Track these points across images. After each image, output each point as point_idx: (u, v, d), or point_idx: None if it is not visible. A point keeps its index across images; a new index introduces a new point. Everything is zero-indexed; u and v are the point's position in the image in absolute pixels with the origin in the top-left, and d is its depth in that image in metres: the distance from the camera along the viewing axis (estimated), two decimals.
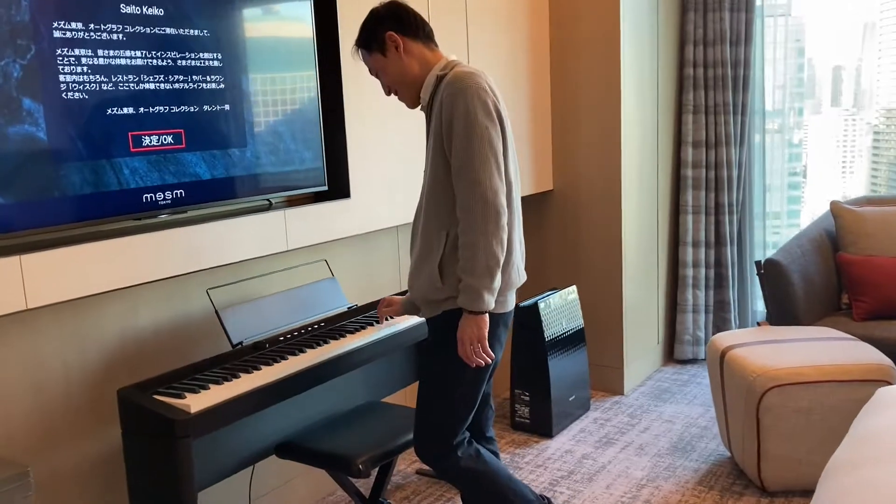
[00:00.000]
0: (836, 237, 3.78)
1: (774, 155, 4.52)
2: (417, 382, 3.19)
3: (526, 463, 3.35)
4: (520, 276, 2.22)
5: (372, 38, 2.17)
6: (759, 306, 4.63)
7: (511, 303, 2.21)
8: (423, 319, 2.63)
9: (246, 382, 2.15)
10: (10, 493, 1.44)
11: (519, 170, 2.20)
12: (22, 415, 2.13)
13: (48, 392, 2.19)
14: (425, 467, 3.32)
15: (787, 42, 4.44)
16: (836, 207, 3.77)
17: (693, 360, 4.52)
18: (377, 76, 2.23)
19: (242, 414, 2.12)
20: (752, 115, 4.45)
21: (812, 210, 4.70)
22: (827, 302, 3.69)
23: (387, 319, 2.64)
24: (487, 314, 2.06)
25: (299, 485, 2.99)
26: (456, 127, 2.01)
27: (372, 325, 2.63)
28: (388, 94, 2.24)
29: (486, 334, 2.07)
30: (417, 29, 2.18)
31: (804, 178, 4.70)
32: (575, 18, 3.92)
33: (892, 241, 3.63)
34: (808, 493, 2.96)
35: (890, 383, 2.84)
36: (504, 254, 2.05)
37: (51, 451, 2.20)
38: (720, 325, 4.55)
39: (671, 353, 4.58)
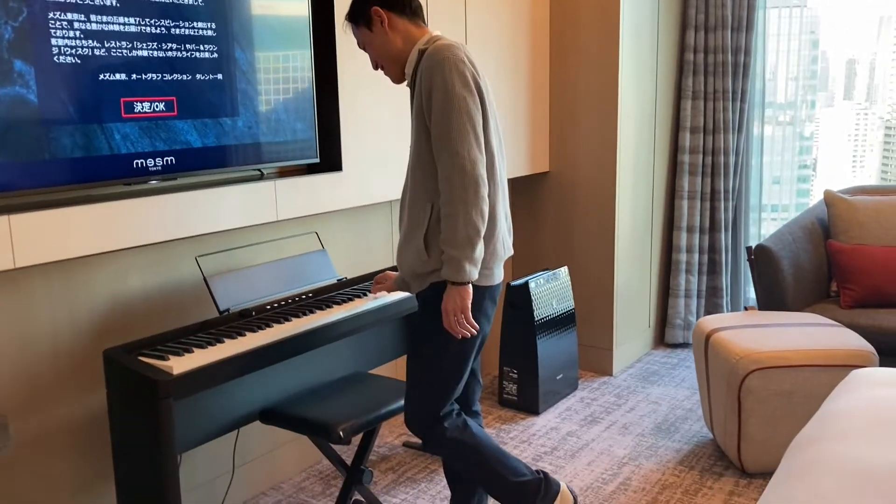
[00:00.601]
0: (827, 225, 3.80)
1: (785, 146, 4.52)
2: (406, 355, 3.24)
3: (511, 438, 3.39)
4: (506, 249, 2.24)
5: (359, 12, 2.21)
6: (752, 293, 4.66)
7: (498, 276, 2.23)
8: (407, 294, 2.66)
9: (230, 347, 2.19)
10: None
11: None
12: (8, 372, 2.18)
13: (36, 351, 2.23)
14: (413, 439, 3.37)
15: (801, 34, 4.43)
16: (828, 196, 3.78)
17: (684, 345, 4.55)
18: (365, 50, 2.26)
19: (224, 378, 2.15)
20: (751, 102, 4.45)
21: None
22: (816, 289, 3.72)
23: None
24: (470, 285, 2.09)
25: (285, 453, 3.04)
26: (434, 99, 2.04)
27: (360, 297, 2.67)
28: (376, 68, 2.27)
29: (469, 305, 2.10)
30: (404, 5, 2.20)
31: (814, 171, 4.70)
32: (575, 2, 3.92)
33: (883, 230, 3.65)
34: None
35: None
36: (485, 224, 2.07)
37: (36, 409, 2.25)
38: (712, 310, 4.58)
39: (662, 337, 4.61)
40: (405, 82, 2.25)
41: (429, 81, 2.05)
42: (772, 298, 3.56)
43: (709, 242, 4.52)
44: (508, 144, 3.79)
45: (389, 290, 2.58)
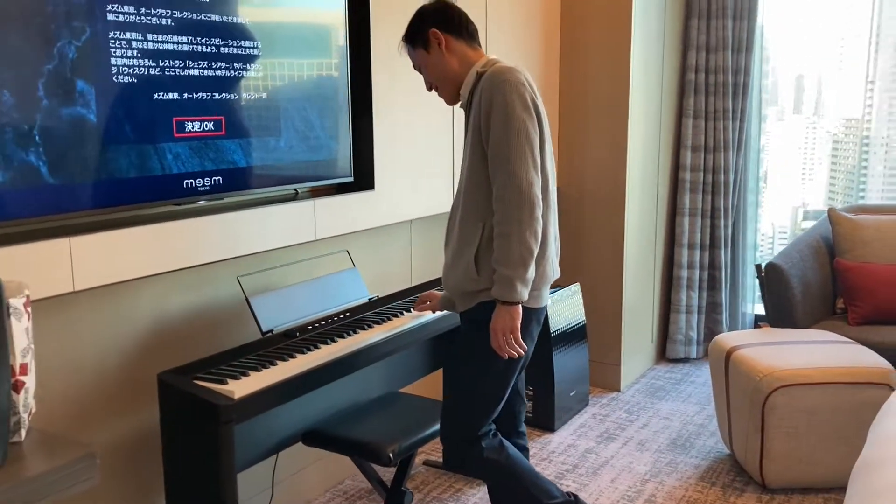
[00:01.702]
0: (832, 243, 3.90)
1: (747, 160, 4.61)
2: (434, 373, 3.24)
3: (531, 456, 3.41)
4: (554, 271, 2.26)
5: (417, 33, 2.23)
6: (750, 308, 4.75)
7: (545, 299, 2.25)
8: (445, 312, 2.67)
9: (284, 370, 2.17)
10: (76, 473, 1.45)
11: (555, 164, 2.25)
12: (59, 395, 2.13)
13: (84, 374, 2.19)
14: (433, 457, 3.36)
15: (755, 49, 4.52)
16: (833, 215, 3.88)
17: (685, 360, 4.62)
18: (420, 71, 2.28)
19: (282, 400, 2.14)
20: (749, 121, 4.55)
21: (770, 215, 4.79)
22: (823, 306, 3.81)
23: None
24: (520, 306, 2.11)
25: (310, 474, 3.02)
26: (494, 119, 2.06)
27: (398, 315, 2.66)
28: (430, 89, 2.29)
29: (519, 326, 2.11)
30: (461, 28, 2.23)
31: (765, 182, 4.81)
32: (586, 21, 3.98)
33: (887, 248, 3.76)
34: (808, 490, 3.06)
35: (891, 386, 2.94)
36: (538, 246, 2.09)
37: (83, 431, 2.21)
38: (711, 325, 4.66)
39: (663, 352, 4.67)
40: (459, 104, 2.27)
41: (489, 102, 2.08)
42: (782, 315, 3.64)
43: (709, 259, 4.60)
44: None
45: (434, 310, 2.59)
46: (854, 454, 2.97)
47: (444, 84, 2.24)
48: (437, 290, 2.81)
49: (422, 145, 3.12)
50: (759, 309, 4.78)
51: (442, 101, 3.15)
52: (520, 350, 2.14)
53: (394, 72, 2.92)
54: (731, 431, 3.25)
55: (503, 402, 2.29)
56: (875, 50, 4.48)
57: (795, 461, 3.00)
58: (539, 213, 2.08)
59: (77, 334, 2.16)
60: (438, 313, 2.71)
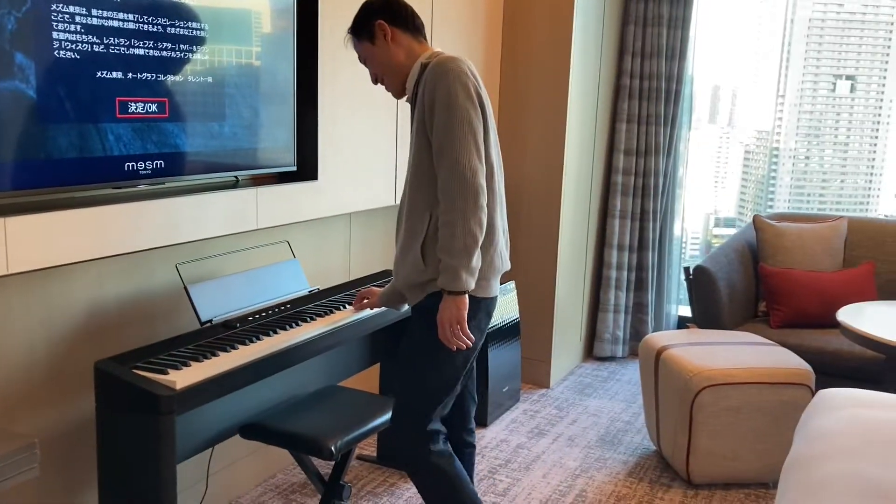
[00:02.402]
0: (756, 249, 4.05)
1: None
2: (372, 367, 3.22)
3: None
4: (503, 262, 2.26)
5: (363, 25, 2.21)
6: (674, 309, 4.89)
7: (494, 289, 2.25)
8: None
9: (226, 361, 2.12)
10: (16, 464, 1.39)
11: (500, 155, 2.26)
12: None
13: (10, 361, 2.09)
14: (365, 452, 3.34)
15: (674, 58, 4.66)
16: (758, 221, 4.03)
17: (611, 358, 4.72)
18: (365, 64, 2.26)
19: (225, 391, 2.09)
20: (679, 127, 4.68)
21: (684, 220, 4.95)
22: (746, 308, 3.95)
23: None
24: (467, 296, 2.09)
25: (242, 467, 2.96)
26: (437, 108, 2.05)
27: (339, 309, 2.64)
28: (375, 82, 2.27)
29: (465, 316, 2.09)
30: (407, 20, 2.22)
31: (680, 188, 4.97)
32: (528, 23, 4.02)
33: (805, 255, 3.93)
34: (730, 485, 3.18)
35: (809, 386, 3.08)
36: (483, 234, 2.07)
37: (12, 422, 2.10)
38: (637, 325, 4.78)
39: (590, 350, 4.77)
40: (405, 97, 2.25)
41: (432, 92, 2.07)
42: (708, 316, 3.76)
43: (637, 260, 4.72)
44: None
45: (373, 307, 2.58)
46: (774, 451, 3.10)
47: (389, 76, 2.22)
48: (375, 286, 2.79)
49: (365, 138, 3.09)
50: (683, 310, 4.93)
51: (387, 94, 3.13)
52: (467, 341, 2.13)
53: (339, 63, 2.89)
54: (658, 428, 3.34)
55: (453, 394, 2.27)
56: (786, 67, 4.67)
57: (720, 458, 3.10)
58: (483, 201, 2.06)
59: (6, 320, 2.06)
60: (378, 309, 2.69)
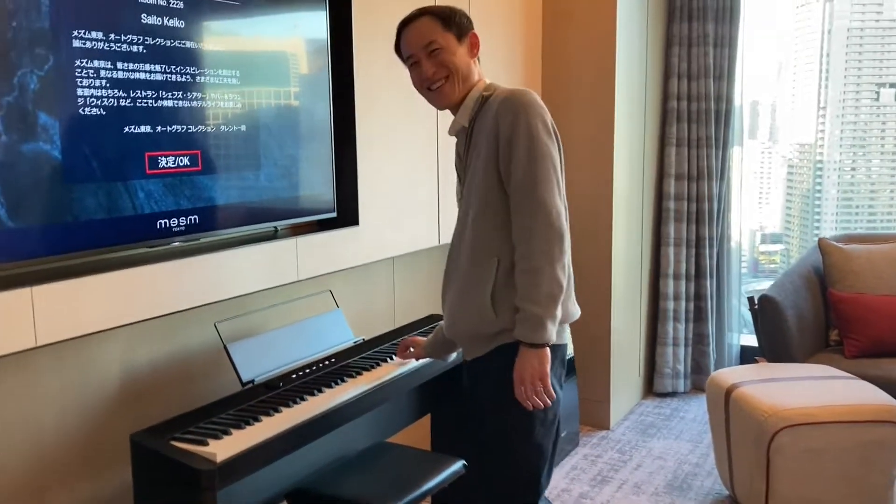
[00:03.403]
0: (823, 274, 3.81)
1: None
2: (422, 419, 3.06)
3: None
4: (576, 307, 2.08)
5: (455, 20, 1.98)
6: (736, 339, 4.65)
7: (567, 337, 2.08)
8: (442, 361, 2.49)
9: (269, 426, 1.99)
10: None
11: None
12: (15, 459, 1.92)
13: (45, 436, 1.98)
14: None
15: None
16: (824, 244, 3.80)
17: (672, 394, 4.49)
18: (429, 56, 1.97)
19: (269, 460, 1.95)
20: (731, 149, 4.48)
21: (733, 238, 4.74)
22: (816, 338, 3.71)
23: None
24: (548, 348, 1.89)
25: None
26: (518, 144, 1.88)
27: (386, 361, 2.49)
28: (426, 81, 2.00)
29: (548, 370, 1.88)
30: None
31: (730, 211, 4.77)
32: (569, 47, 3.88)
33: (878, 279, 3.68)
34: None
35: None
36: (566, 281, 1.91)
37: (45, 500, 1.99)
38: (698, 358, 4.54)
39: (650, 386, 4.54)
40: (451, 130, 2.08)
41: (510, 125, 1.89)
42: (776, 348, 3.53)
43: (695, 289, 4.50)
44: None
45: (418, 358, 2.43)
46: (861, 497, 2.85)
47: (453, 83, 1.98)
48: (418, 335, 2.64)
49: (405, 177, 2.96)
50: (745, 340, 4.69)
51: (426, 130, 3.01)
52: (547, 399, 1.90)
53: (375, 101, 2.77)
54: (732, 472, 3.12)
55: (552, 459, 2.04)
56: (825, 78, 4.53)
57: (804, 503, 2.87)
58: (568, 245, 1.91)
59: (36, 392, 1.95)
60: (423, 360, 2.53)
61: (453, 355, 2.43)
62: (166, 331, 2.28)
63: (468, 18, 2.02)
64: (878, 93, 4.58)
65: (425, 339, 2.43)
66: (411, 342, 2.44)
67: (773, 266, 5.31)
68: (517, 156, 1.88)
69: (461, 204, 2.07)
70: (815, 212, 4.76)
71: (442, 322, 2.29)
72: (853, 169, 4.68)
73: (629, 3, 3.90)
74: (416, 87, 2.04)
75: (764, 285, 5.07)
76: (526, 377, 1.87)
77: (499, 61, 3.53)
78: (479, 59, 2.06)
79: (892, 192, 4.62)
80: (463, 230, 2.03)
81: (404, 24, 2.02)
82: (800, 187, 4.97)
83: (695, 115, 4.38)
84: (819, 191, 4.72)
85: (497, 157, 1.92)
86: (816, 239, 3.90)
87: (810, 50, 4.66)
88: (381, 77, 2.78)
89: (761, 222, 5.15)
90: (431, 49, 1.96)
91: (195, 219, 2.15)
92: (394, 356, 2.52)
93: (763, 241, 5.25)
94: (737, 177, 4.52)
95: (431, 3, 2.16)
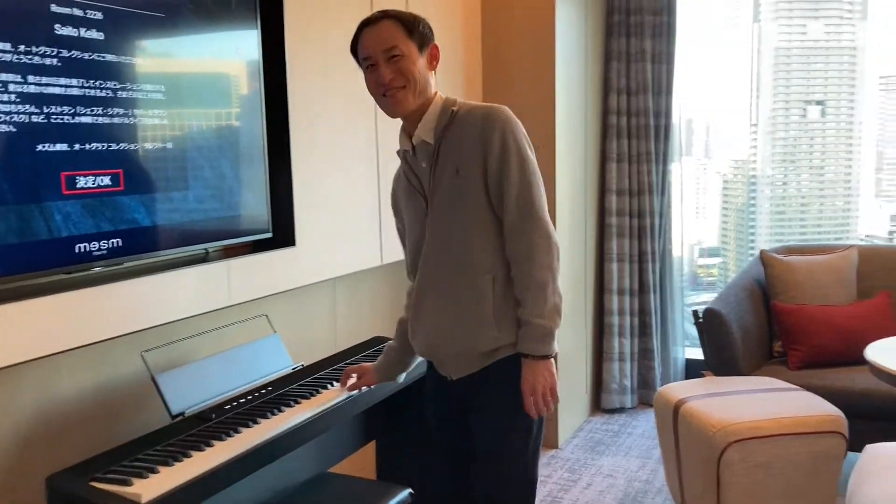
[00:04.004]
0: (765, 286, 3.83)
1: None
2: (366, 446, 2.94)
3: None
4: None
5: (420, 30, 1.94)
6: (681, 353, 4.66)
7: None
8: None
9: (200, 462, 1.86)
10: None
11: None
12: None
13: None
14: None
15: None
16: (765, 257, 3.82)
17: (620, 409, 4.46)
18: (389, 60, 1.91)
19: (200, 499, 1.82)
20: (671, 164, 4.50)
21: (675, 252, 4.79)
22: (761, 350, 3.72)
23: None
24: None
25: None
26: (511, 164, 1.89)
27: (327, 387, 2.38)
28: (382, 87, 1.93)
29: (556, 380, 1.93)
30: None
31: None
32: (509, 63, 3.84)
33: (819, 289, 3.71)
34: None
35: (843, 434, 2.84)
36: None
37: None
38: (644, 373, 4.53)
39: (598, 403, 4.50)
40: (411, 140, 1.99)
41: (501, 145, 1.89)
42: (722, 361, 3.52)
43: (639, 304, 4.49)
44: None
45: (369, 384, 2.33)
46: None
47: (411, 91, 1.93)
48: (363, 361, 2.54)
49: (345, 195, 2.87)
50: (690, 353, 4.70)
51: (367, 145, 2.93)
52: (552, 406, 1.94)
53: (311, 120, 2.68)
54: (682, 488, 3.08)
55: None
56: (756, 96, 4.66)
57: None
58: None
59: None
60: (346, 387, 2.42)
61: (404, 375, 2.34)
62: (88, 362, 2.13)
63: (431, 29, 1.98)
64: (805, 110, 4.73)
65: (372, 364, 2.33)
66: (357, 370, 2.33)
67: (711, 279, 5.39)
68: (511, 175, 1.90)
69: (432, 219, 1.98)
70: (750, 225, 4.86)
71: (392, 342, 2.26)
72: (784, 183, 4.81)
73: (568, 18, 3.89)
74: (370, 91, 1.98)
75: (703, 298, 5.13)
76: (538, 388, 1.90)
77: (438, 76, 3.46)
78: (435, 71, 2.01)
79: (822, 204, 4.76)
80: (443, 247, 1.97)
81: (365, 24, 1.96)
82: (735, 201, 5.09)
83: (635, 130, 4.39)
84: (753, 204, 4.83)
85: (484, 175, 1.91)
86: (752, 251, 3.93)
87: (742, 69, 4.78)
88: (317, 94, 2.69)
89: (699, 236, 5.23)
90: (392, 55, 1.91)
91: (118, 242, 2.02)
92: (335, 382, 2.41)
93: (701, 255, 5.34)
94: (677, 192, 4.55)
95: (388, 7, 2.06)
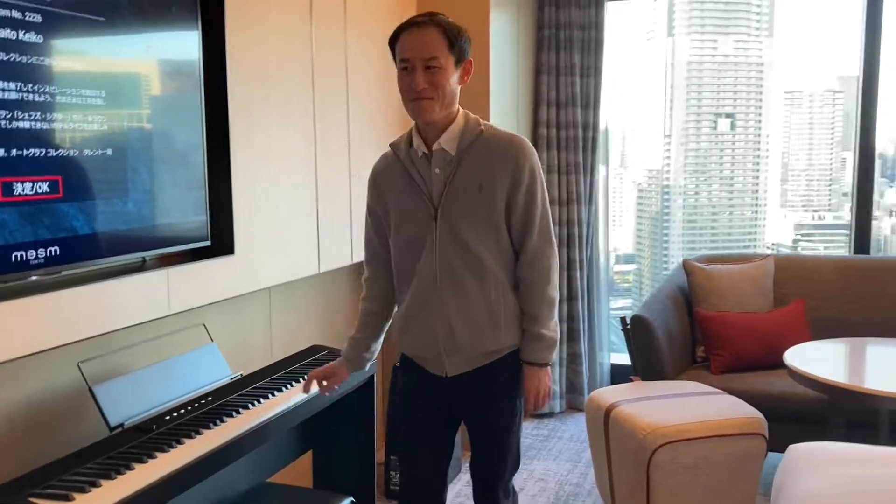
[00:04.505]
0: (688, 293, 3.98)
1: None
2: (303, 456, 2.93)
3: None
4: None
5: (460, 43, 2.04)
6: (607, 358, 4.79)
7: None
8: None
9: (142, 475, 1.83)
10: None
11: None
12: None
13: None
14: None
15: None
16: (688, 265, 3.97)
17: (549, 414, 4.55)
18: (426, 68, 2.00)
19: None
20: (598, 174, 4.63)
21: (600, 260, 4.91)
22: (684, 355, 3.87)
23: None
24: None
25: None
26: (537, 193, 2.10)
27: (267, 397, 2.37)
28: (413, 93, 2.02)
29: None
30: None
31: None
32: None
33: (739, 297, 3.88)
34: None
35: (763, 435, 2.98)
36: None
37: None
38: (572, 377, 4.64)
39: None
40: (434, 145, 2.10)
41: (530, 175, 2.08)
42: (649, 366, 3.64)
43: (567, 311, 4.60)
44: None
45: (344, 379, 2.38)
46: None
47: (441, 102, 2.03)
48: (317, 364, 2.54)
49: (283, 203, 2.86)
50: (616, 358, 4.83)
51: (305, 149, 2.93)
52: (545, 406, 2.30)
53: (251, 126, 2.66)
54: (613, 490, 3.17)
55: None
56: (670, 107, 4.83)
57: None
58: None
59: None
60: (313, 390, 2.44)
61: (370, 363, 2.41)
62: (24, 374, 2.07)
63: (469, 43, 2.09)
64: (716, 122, 4.92)
65: (338, 360, 2.33)
66: (322, 373, 2.33)
67: (626, 285, 5.57)
68: (537, 204, 2.11)
69: (443, 225, 2.08)
70: (664, 233, 5.02)
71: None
72: (696, 193, 4.98)
73: (501, 32, 3.97)
74: (401, 89, 2.08)
75: (620, 304, 5.30)
76: (541, 392, 2.19)
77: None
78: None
79: (731, 213, 4.96)
80: (456, 252, 2.09)
81: (411, 25, 2.04)
82: (649, 210, 5.24)
83: (564, 142, 4.50)
84: (667, 213, 4.99)
85: (509, 198, 2.07)
86: (665, 259, 4.08)
87: (656, 81, 4.94)
88: (257, 100, 2.68)
89: (615, 243, 5.39)
90: (429, 65, 2.01)
91: (55, 250, 1.97)
92: (276, 392, 2.40)
93: (617, 262, 5.50)
94: (602, 201, 4.68)
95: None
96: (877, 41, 4.21)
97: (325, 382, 2.32)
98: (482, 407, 2.21)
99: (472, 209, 2.07)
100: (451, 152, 2.08)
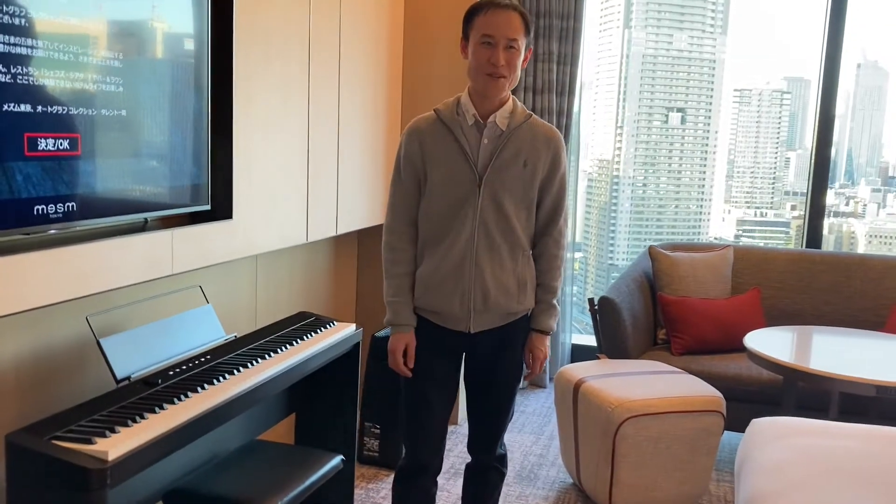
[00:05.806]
0: (652, 278, 4.17)
1: None
2: (288, 417, 3.02)
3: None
4: None
5: (531, 31, 2.24)
6: (568, 338, 4.97)
7: None
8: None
9: (158, 423, 1.92)
10: None
11: None
12: None
13: None
14: None
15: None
16: (653, 252, 4.16)
17: None
18: (507, 47, 2.17)
19: (158, 458, 1.88)
20: (571, 161, 4.78)
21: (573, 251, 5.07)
22: (647, 337, 4.06)
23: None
24: None
25: None
26: (565, 182, 2.35)
27: (263, 358, 2.47)
28: (492, 67, 2.17)
29: None
30: None
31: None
32: (427, 63, 3.99)
33: (700, 284, 4.09)
34: None
35: (721, 413, 3.18)
36: None
37: None
38: None
39: None
40: (489, 118, 2.25)
41: (562, 160, 2.32)
42: (614, 345, 3.83)
43: None
44: (357, 196, 3.72)
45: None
46: (690, 479, 3.17)
47: (511, 81, 2.22)
48: (290, 332, 2.63)
49: (279, 171, 2.93)
50: (577, 339, 5.02)
51: (299, 118, 3.01)
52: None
53: (253, 94, 2.73)
54: (578, 461, 3.35)
55: None
56: (623, 99, 4.95)
57: (641, 488, 3.14)
58: None
59: None
60: (309, 350, 2.54)
61: None
62: (31, 326, 2.13)
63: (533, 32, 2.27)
64: (667, 116, 5.03)
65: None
66: (404, 352, 2.35)
67: (574, 272, 5.74)
68: (564, 190, 2.37)
69: (486, 191, 2.24)
70: (611, 222, 5.14)
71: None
72: (644, 184, 5.10)
73: None
74: (478, 63, 2.20)
75: (569, 290, 5.46)
76: (545, 357, 2.42)
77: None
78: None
79: (677, 206, 5.09)
80: (496, 218, 2.26)
81: (495, 6, 2.18)
82: (598, 199, 5.35)
83: None
84: (615, 203, 5.11)
85: (545, 180, 2.31)
86: (612, 247, 4.24)
87: (611, 72, 5.03)
88: (258, 70, 2.75)
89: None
90: (510, 45, 2.17)
91: (72, 205, 2.03)
92: (271, 354, 2.50)
93: (567, 249, 5.66)
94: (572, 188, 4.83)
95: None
96: (839, 44, 4.43)
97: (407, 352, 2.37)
98: (497, 360, 2.40)
99: (514, 182, 2.26)
100: (503, 128, 2.25)
